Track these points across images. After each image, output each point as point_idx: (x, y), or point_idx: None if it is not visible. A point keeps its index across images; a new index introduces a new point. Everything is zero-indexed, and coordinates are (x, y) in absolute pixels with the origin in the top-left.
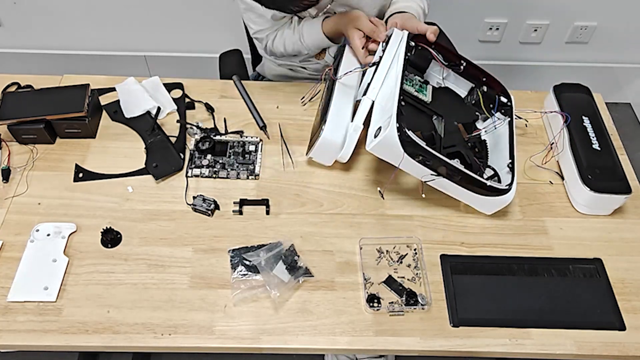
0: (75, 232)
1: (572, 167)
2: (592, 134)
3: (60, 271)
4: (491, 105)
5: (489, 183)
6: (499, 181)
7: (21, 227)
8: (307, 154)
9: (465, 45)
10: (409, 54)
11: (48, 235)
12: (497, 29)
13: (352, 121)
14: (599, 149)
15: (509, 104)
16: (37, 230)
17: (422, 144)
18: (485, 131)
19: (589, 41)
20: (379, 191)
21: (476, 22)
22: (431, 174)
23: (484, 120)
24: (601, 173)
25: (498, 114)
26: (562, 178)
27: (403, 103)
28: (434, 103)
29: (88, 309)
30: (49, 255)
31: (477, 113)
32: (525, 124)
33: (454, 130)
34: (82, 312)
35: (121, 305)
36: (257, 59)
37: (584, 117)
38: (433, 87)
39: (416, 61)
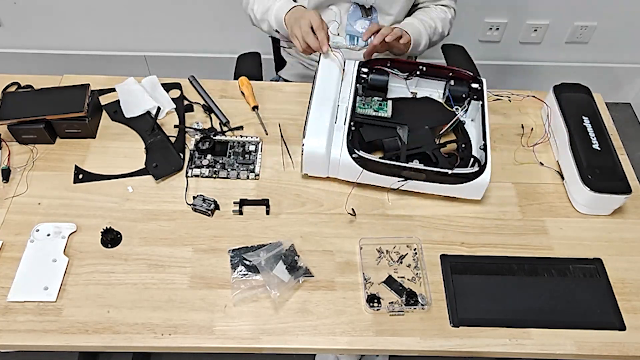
0: (75, 232)
1: (572, 167)
2: (592, 134)
3: (60, 271)
4: (464, 96)
5: (450, 172)
6: (481, 167)
7: (21, 227)
8: (301, 171)
9: (466, 45)
10: (363, 80)
11: (48, 235)
12: (497, 29)
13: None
14: (599, 149)
15: (479, 88)
16: (37, 230)
17: (374, 158)
18: (463, 122)
19: (589, 41)
20: (352, 209)
21: (476, 22)
22: (398, 181)
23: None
24: (601, 173)
25: (473, 103)
26: (562, 178)
27: (353, 128)
28: (396, 116)
29: (88, 309)
30: (49, 255)
31: (456, 108)
32: (509, 99)
33: (424, 133)
34: (82, 312)
35: (121, 305)
36: (280, 63)
37: (584, 117)
38: (394, 101)
39: (376, 83)
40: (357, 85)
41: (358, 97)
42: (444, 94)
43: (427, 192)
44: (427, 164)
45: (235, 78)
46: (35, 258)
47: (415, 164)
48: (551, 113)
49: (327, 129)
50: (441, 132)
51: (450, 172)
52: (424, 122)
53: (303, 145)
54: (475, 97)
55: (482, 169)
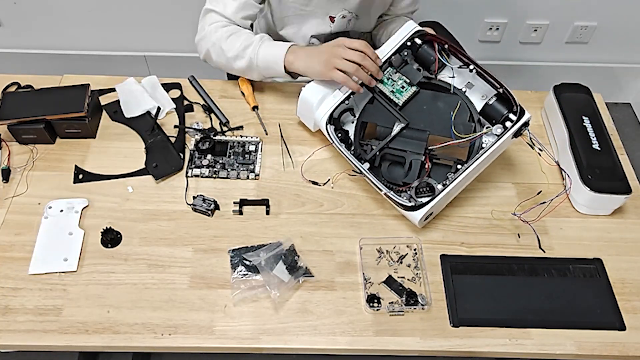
0: (87, 206)
1: (572, 167)
2: (592, 134)
3: (77, 243)
4: (494, 122)
5: (383, 192)
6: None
7: (21, 227)
8: (296, 112)
9: (465, 45)
10: (406, 53)
11: (61, 211)
12: (497, 29)
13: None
14: (599, 149)
15: (506, 125)
16: (50, 207)
17: (342, 149)
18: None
19: (589, 41)
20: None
21: (476, 22)
22: (353, 170)
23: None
24: (601, 173)
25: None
26: (563, 178)
27: (346, 104)
28: (408, 107)
29: (88, 309)
30: (64, 229)
31: (487, 127)
32: (538, 151)
33: (421, 139)
34: (82, 312)
35: (121, 305)
36: None
37: (584, 117)
38: (417, 91)
39: (425, 56)
40: (398, 55)
41: (389, 69)
42: (485, 100)
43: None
44: (391, 167)
45: (229, 77)
46: (51, 233)
47: (366, 172)
48: (551, 113)
49: (328, 90)
50: (435, 148)
51: (383, 192)
52: (434, 124)
53: (303, 87)
54: (497, 134)
55: (417, 206)
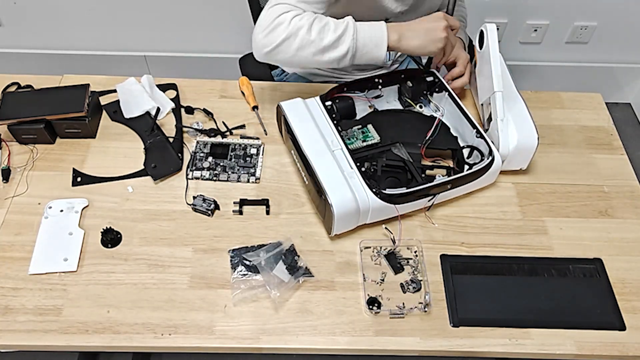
0: (87, 206)
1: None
2: None
3: (77, 243)
4: (425, 92)
5: (471, 171)
6: (481, 153)
7: (21, 227)
8: (329, 233)
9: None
10: (334, 114)
11: (61, 211)
12: (497, 29)
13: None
14: None
15: (436, 80)
16: (50, 207)
17: (401, 190)
18: (440, 115)
19: (589, 41)
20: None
21: (476, 22)
22: (429, 200)
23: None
24: None
25: (436, 96)
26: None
27: (364, 168)
28: (385, 136)
29: (88, 309)
30: (64, 229)
31: (419, 105)
32: None
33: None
34: (82, 312)
35: (121, 305)
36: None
37: None
38: (373, 124)
39: (345, 110)
40: (333, 122)
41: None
42: (399, 97)
43: (449, 198)
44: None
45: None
46: (51, 233)
47: (441, 179)
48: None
49: (343, 181)
50: (427, 140)
51: (471, 171)
52: (410, 131)
53: (332, 206)
54: (437, 89)
55: (490, 156)
